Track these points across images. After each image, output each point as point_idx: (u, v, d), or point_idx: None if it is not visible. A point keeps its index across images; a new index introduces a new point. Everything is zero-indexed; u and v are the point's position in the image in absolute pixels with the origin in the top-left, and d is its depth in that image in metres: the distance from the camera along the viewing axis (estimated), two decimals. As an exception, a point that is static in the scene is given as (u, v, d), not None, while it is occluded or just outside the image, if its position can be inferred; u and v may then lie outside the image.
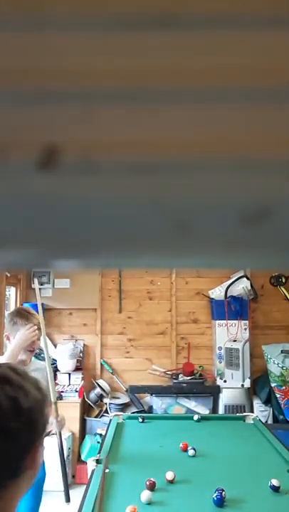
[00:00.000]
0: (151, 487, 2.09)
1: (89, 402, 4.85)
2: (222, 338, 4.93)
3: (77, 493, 2.04)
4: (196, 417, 3.47)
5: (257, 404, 4.89)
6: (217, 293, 5.11)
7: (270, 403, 4.84)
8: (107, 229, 0.19)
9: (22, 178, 0.17)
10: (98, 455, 2.53)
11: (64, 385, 4.86)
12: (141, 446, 2.82)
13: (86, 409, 4.91)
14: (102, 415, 4.73)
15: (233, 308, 4.93)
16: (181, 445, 2.71)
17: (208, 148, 0.17)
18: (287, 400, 4.68)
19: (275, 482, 2.16)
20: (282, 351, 4.75)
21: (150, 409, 4.79)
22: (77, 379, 4.91)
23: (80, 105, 0.16)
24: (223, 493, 2.01)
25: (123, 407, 4.75)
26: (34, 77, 0.16)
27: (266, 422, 4.52)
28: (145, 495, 1.98)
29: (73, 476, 4.55)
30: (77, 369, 5.00)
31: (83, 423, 4.81)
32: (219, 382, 4.91)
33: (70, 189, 0.18)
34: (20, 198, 0.18)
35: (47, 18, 0.15)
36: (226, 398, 4.83)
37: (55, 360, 4.97)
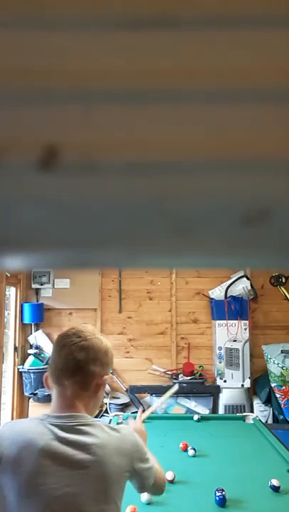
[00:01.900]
0: (152, 487, 2.09)
1: (89, 402, 4.84)
2: (222, 338, 4.93)
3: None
4: (196, 417, 3.47)
5: (257, 404, 4.89)
6: (217, 293, 5.11)
7: (270, 403, 4.84)
8: (107, 229, 0.19)
9: (22, 178, 0.17)
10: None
11: (64, 385, 4.86)
12: (141, 446, 2.82)
13: (86, 409, 4.90)
14: (102, 415, 4.73)
15: (233, 308, 4.93)
16: (181, 445, 2.71)
17: (208, 148, 0.17)
18: (287, 400, 4.68)
19: (275, 482, 2.16)
20: (282, 351, 4.75)
21: (150, 409, 4.78)
22: (77, 379, 4.90)
23: (80, 105, 0.16)
24: (224, 492, 2.01)
25: (123, 407, 4.75)
26: (34, 77, 0.16)
27: (266, 422, 4.52)
28: (145, 495, 1.98)
29: (73, 476, 4.54)
30: (77, 369, 5.00)
31: (83, 423, 4.81)
32: (219, 382, 4.91)
33: (70, 189, 0.18)
34: (20, 198, 0.18)
35: (47, 18, 0.15)
36: (226, 398, 4.83)
37: (55, 360, 4.97)
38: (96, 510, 1.13)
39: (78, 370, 1.24)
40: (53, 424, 1.18)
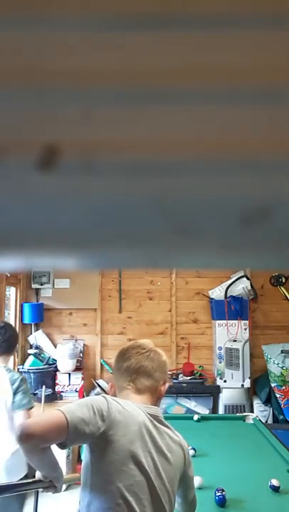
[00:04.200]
0: (151, 487, 2.09)
1: (89, 402, 4.84)
2: (222, 338, 4.93)
3: (77, 494, 2.04)
4: (196, 417, 3.47)
5: (257, 404, 4.89)
6: (217, 293, 5.11)
7: (270, 403, 4.84)
8: (107, 229, 0.19)
9: (22, 178, 0.17)
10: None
11: (64, 385, 4.87)
12: (141, 446, 2.82)
13: (86, 409, 4.90)
14: (102, 415, 4.73)
15: (233, 308, 4.93)
16: (181, 445, 2.71)
17: (208, 148, 0.17)
18: (287, 400, 4.68)
19: (275, 482, 2.16)
20: (282, 351, 4.75)
21: (150, 409, 4.78)
22: (77, 379, 4.91)
23: (80, 105, 0.16)
24: (224, 492, 2.01)
25: (123, 407, 4.75)
26: (34, 77, 0.16)
27: (266, 422, 4.52)
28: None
29: (73, 476, 4.55)
30: (77, 369, 5.01)
31: (83, 423, 4.81)
32: (219, 382, 4.91)
33: (70, 189, 0.18)
34: (19, 198, 0.18)
35: (47, 18, 0.15)
36: (225, 398, 4.83)
37: (55, 360, 4.98)
38: (169, 499, 1.38)
39: (149, 376, 1.46)
40: (145, 410, 1.40)
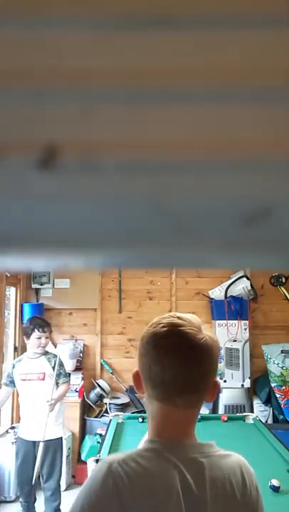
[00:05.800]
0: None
1: (89, 402, 4.85)
2: (222, 338, 4.92)
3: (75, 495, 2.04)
4: (196, 417, 3.47)
5: (257, 404, 4.89)
6: (217, 293, 5.11)
7: (270, 403, 4.84)
8: (107, 229, 0.19)
9: (22, 178, 0.17)
10: (98, 455, 2.53)
11: (64, 385, 4.86)
12: (141, 446, 2.82)
13: (86, 409, 4.91)
14: (102, 415, 4.73)
15: (233, 308, 4.93)
16: (181, 445, 2.71)
17: (208, 148, 0.17)
18: (287, 400, 4.68)
19: (275, 482, 2.16)
20: (282, 351, 4.75)
21: (150, 409, 4.78)
22: (77, 379, 4.91)
23: (80, 105, 0.16)
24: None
25: (123, 407, 4.75)
26: (34, 77, 0.16)
27: (266, 422, 4.52)
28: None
29: (73, 476, 4.55)
30: (77, 369, 5.00)
31: (83, 423, 4.82)
32: (219, 382, 4.91)
33: (70, 189, 0.18)
34: (19, 198, 0.18)
35: (47, 18, 0.15)
36: (226, 398, 4.83)
37: (55, 360, 4.98)
38: None
39: (194, 389, 0.93)
40: (176, 458, 0.92)
